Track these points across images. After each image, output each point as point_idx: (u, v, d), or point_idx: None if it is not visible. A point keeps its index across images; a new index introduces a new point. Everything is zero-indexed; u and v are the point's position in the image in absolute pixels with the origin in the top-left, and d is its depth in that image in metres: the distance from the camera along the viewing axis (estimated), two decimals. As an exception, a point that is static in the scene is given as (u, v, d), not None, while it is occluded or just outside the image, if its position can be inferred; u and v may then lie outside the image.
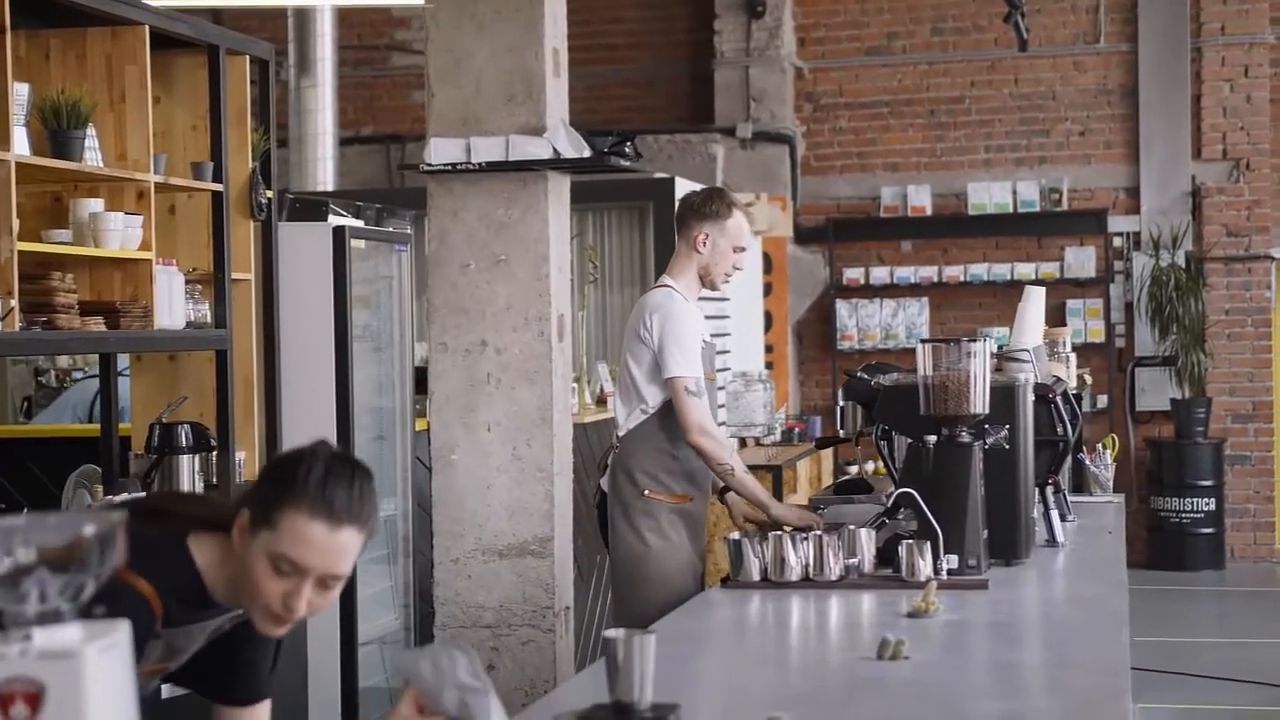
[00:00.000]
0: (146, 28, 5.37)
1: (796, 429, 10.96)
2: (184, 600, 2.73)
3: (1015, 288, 10.88)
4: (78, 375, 8.67)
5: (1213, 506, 12.34)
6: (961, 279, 12.89)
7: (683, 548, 5.36)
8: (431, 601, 5.71)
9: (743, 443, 10.49)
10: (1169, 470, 12.40)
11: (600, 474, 5.63)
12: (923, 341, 4.53)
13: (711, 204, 5.44)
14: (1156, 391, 12.68)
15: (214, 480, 5.80)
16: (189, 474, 5.58)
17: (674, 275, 5.42)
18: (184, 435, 5.62)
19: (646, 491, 5.33)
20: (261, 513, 2.66)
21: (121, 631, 1.87)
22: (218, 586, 2.75)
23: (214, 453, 5.79)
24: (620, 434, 5.43)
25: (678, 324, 5.25)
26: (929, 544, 4.26)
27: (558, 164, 5.44)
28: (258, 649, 2.94)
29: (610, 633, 2.78)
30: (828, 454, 10.86)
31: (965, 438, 4.45)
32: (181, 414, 5.79)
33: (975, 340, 4.49)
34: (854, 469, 10.60)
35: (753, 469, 9.12)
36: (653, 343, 5.25)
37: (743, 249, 5.44)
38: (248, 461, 6.05)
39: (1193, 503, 12.31)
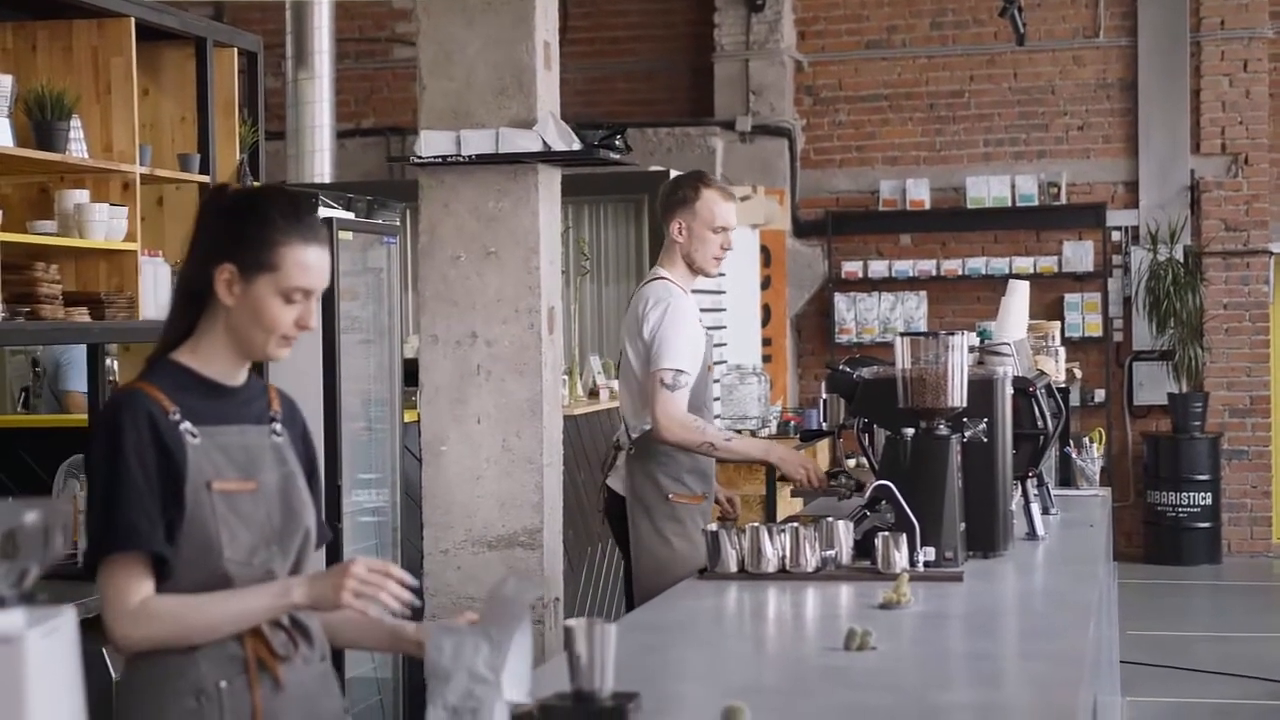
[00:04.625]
0: (132, 20, 5.38)
1: (793, 422, 10.95)
2: (189, 390, 2.95)
3: (1013, 281, 10.87)
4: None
5: (1210, 501, 12.34)
6: (960, 273, 12.89)
7: (703, 548, 5.33)
8: (421, 593, 5.72)
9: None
10: (1166, 464, 12.40)
11: (604, 474, 5.55)
12: (901, 334, 4.53)
13: (678, 191, 5.36)
14: (1154, 386, 12.68)
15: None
16: (175, 464, 5.57)
17: (666, 267, 5.37)
18: (170, 426, 5.62)
19: (671, 495, 5.28)
20: (253, 260, 2.89)
21: (65, 617, 1.89)
22: (211, 367, 2.99)
23: (200, 443, 5.79)
24: (634, 435, 5.33)
25: (676, 317, 5.20)
26: (905, 536, 4.27)
27: (548, 157, 5.44)
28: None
29: (570, 622, 2.80)
30: (825, 447, 10.85)
31: (943, 430, 4.45)
32: (169, 405, 5.80)
33: (954, 334, 4.50)
34: (851, 462, 10.57)
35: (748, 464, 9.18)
36: (649, 335, 5.23)
37: (722, 229, 5.32)
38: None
39: (1190, 497, 12.31)
